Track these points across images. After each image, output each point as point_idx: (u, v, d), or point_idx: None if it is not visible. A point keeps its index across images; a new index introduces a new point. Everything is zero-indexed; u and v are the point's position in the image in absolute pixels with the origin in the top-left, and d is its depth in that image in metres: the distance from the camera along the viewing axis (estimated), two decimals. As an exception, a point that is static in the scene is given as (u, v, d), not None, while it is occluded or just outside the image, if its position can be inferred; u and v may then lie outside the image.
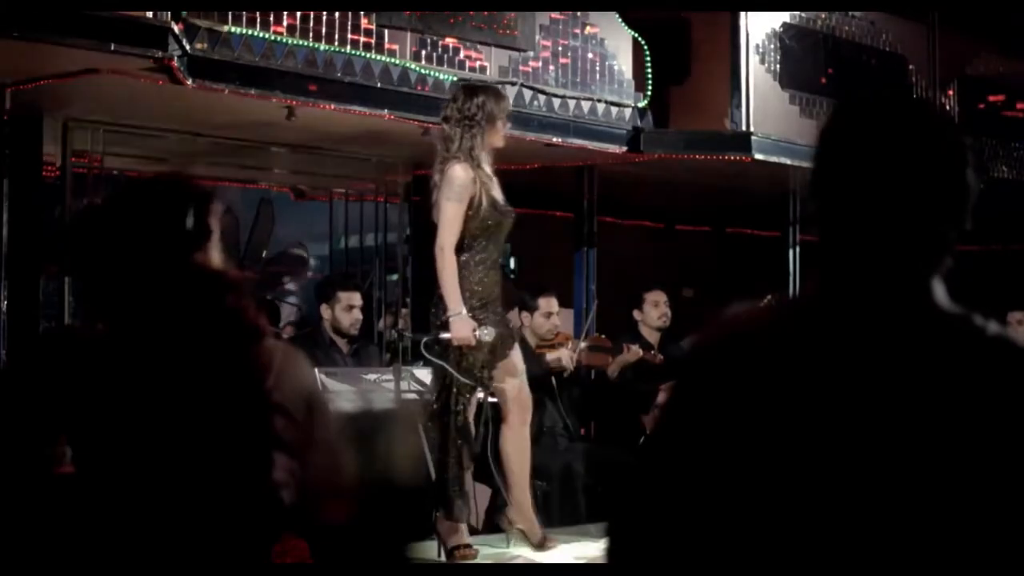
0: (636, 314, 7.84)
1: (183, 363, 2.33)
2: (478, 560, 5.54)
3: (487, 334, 5.43)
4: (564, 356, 7.13)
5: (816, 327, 1.64)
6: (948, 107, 9.86)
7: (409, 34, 6.90)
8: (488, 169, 5.57)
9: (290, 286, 10.08)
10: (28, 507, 2.38)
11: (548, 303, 7.39)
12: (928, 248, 1.66)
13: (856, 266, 1.66)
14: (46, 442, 2.39)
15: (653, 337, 7.79)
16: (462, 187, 5.44)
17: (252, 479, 2.32)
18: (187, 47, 5.93)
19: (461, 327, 5.39)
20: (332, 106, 6.60)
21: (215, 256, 2.43)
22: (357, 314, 6.93)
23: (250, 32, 6.21)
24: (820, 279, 1.69)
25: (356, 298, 6.97)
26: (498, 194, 5.58)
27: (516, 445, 5.70)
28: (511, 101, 7.23)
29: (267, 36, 6.28)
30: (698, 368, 1.69)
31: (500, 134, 5.61)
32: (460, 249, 5.47)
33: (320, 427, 2.40)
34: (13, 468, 2.38)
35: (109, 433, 2.32)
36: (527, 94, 7.43)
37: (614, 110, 7.94)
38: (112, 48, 5.59)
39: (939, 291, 1.66)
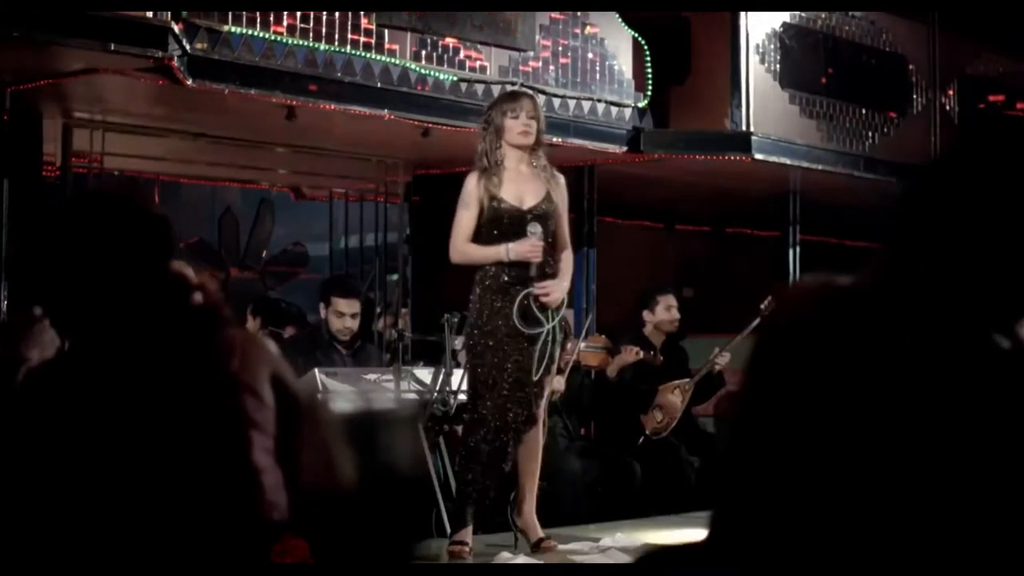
0: (647, 315, 7.81)
1: (151, 360, 2.36)
2: (479, 560, 5.55)
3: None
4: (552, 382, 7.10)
5: (871, 317, 1.64)
6: (948, 107, 9.87)
7: (409, 34, 6.91)
8: (514, 169, 5.67)
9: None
10: (21, 511, 2.39)
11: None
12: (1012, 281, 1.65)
13: (934, 275, 1.66)
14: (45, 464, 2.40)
15: (656, 338, 7.79)
16: (467, 194, 5.65)
17: (232, 462, 2.33)
18: (187, 47, 5.93)
19: (520, 247, 5.56)
20: (332, 106, 6.61)
21: (182, 268, 2.46)
22: (348, 322, 6.83)
23: (250, 32, 6.21)
24: (885, 272, 1.69)
25: (349, 306, 6.85)
26: (516, 194, 5.64)
27: (525, 445, 5.72)
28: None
29: (267, 36, 6.29)
30: (778, 331, 1.69)
31: (514, 132, 5.66)
32: None
33: (312, 426, 2.40)
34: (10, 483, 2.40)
35: (91, 439, 2.34)
36: (527, 94, 7.43)
37: (614, 110, 7.94)
38: (112, 48, 5.59)
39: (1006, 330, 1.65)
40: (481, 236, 5.63)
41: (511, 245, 5.55)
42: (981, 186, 1.67)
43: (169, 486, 2.31)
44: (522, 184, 5.67)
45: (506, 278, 5.58)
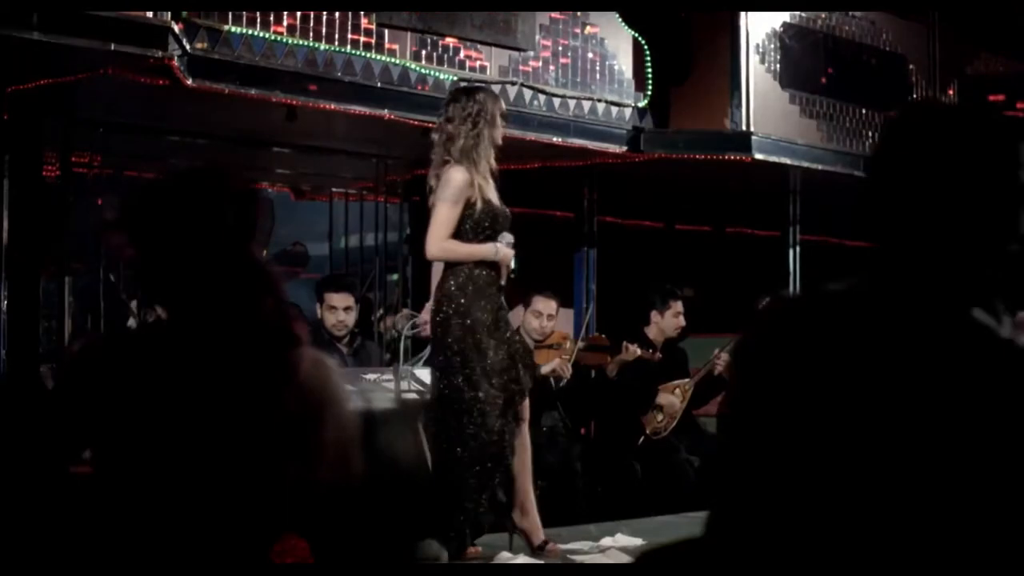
0: (655, 315, 7.82)
1: (219, 365, 2.31)
2: (478, 560, 5.54)
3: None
4: (556, 364, 7.09)
5: (855, 316, 1.66)
6: (948, 107, 9.86)
7: (409, 34, 6.90)
8: (488, 169, 5.55)
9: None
10: (42, 506, 2.38)
11: (538, 302, 7.37)
12: (974, 255, 1.67)
13: (902, 265, 1.67)
14: (76, 448, 2.37)
15: (657, 339, 7.79)
16: (459, 190, 5.41)
17: (261, 487, 2.31)
18: (187, 47, 5.93)
19: (508, 253, 5.49)
20: (332, 106, 6.61)
21: (259, 254, 2.43)
22: (341, 315, 6.93)
23: (250, 32, 6.21)
24: (870, 271, 1.71)
25: (340, 299, 6.96)
26: (494, 195, 5.56)
27: (518, 442, 5.68)
28: (511, 100, 7.30)
29: (267, 36, 6.29)
30: (761, 340, 1.71)
31: (500, 134, 5.62)
32: None
33: (333, 426, 2.39)
34: (37, 471, 2.37)
35: (137, 433, 2.31)
36: (527, 94, 7.43)
37: (614, 110, 7.94)
38: (112, 48, 5.59)
39: (981, 301, 1.66)
40: (473, 234, 5.47)
41: (500, 246, 5.48)
42: (924, 168, 1.69)
43: (181, 485, 2.29)
44: (489, 185, 5.60)
45: (495, 275, 5.51)
